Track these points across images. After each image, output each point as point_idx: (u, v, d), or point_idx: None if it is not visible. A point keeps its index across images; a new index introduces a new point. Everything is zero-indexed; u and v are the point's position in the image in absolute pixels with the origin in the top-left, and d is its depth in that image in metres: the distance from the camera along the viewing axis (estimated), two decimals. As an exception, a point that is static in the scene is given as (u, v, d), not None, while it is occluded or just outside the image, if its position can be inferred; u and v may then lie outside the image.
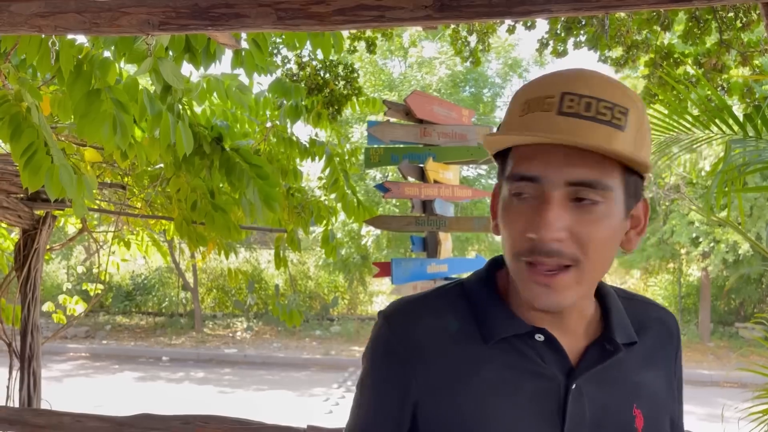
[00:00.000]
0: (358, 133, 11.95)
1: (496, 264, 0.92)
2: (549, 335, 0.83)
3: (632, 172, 0.79)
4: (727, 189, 2.11)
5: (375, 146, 4.24)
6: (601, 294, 0.91)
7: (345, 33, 3.84)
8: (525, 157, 0.78)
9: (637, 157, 0.75)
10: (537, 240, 0.76)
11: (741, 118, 2.29)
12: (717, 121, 2.30)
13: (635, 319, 0.91)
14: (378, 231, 11.60)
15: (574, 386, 0.82)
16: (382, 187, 4.16)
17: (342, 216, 4.32)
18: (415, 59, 13.69)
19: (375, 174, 12.20)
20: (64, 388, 8.75)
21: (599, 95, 0.75)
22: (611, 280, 14.16)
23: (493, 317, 0.85)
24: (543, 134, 0.75)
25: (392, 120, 4.37)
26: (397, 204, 11.66)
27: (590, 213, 0.76)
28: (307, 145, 3.94)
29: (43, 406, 3.79)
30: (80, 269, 10.10)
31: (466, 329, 0.85)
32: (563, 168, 0.75)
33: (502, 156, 0.84)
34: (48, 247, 4.05)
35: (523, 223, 0.77)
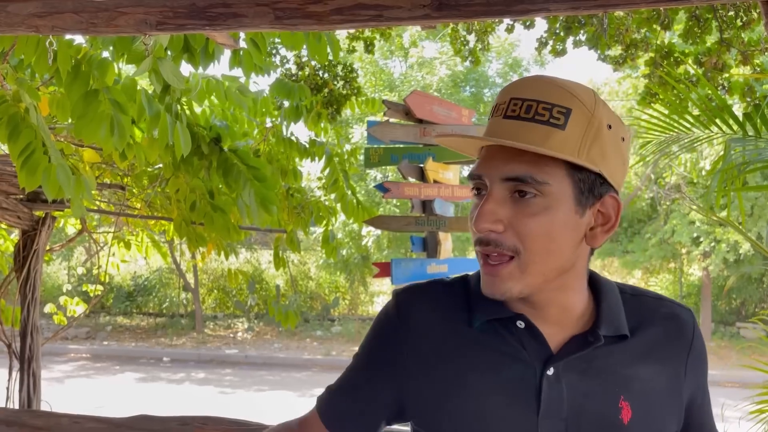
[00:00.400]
0: (359, 134, 11.94)
1: None
2: (529, 322, 0.88)
3: (582, 169, 0.83)
4: (726, 188, 2.10)
5: (375, 146, 4.23)
6: (598, 289, 0.94)
7: (343, 33, 3.84)
8: (479, 158, 0.88)
9: (576, 156, 0.81)
10: (476, 230, 0.84)
11: (741, 118, 2.28)
12: (717, 120, 2.29)
13: (637, 314, 0.93)
14: (378, 231, 11.59)
15: (550, 372, 0.85)
16: (382, 188, 4.16)
17: (342, 216, 4.31)
18: (416, 59, 13.69)
19: (375, 174, 12.19)
20: (65, 389, 8.74)
21: (540, 97, 0.82)
22: (613, 279, 14.13)
23: (481, 302, 0.90)
24: (482, 137, 0.85)
25: (392, 120, 4.36)
26: (398, 204, 11.65)
27: (528, 206, 0.82)
28: (307, 146, 3.93)
29: (43, 407, 3.79)
30: (80, 270, 10.08)
31: (459, 313, 0.92)
32: (500, 166, 0.83)
33: None
34: (48, 248, 4.05)
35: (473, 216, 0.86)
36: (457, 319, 0.92)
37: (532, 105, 0.81)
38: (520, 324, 0.88)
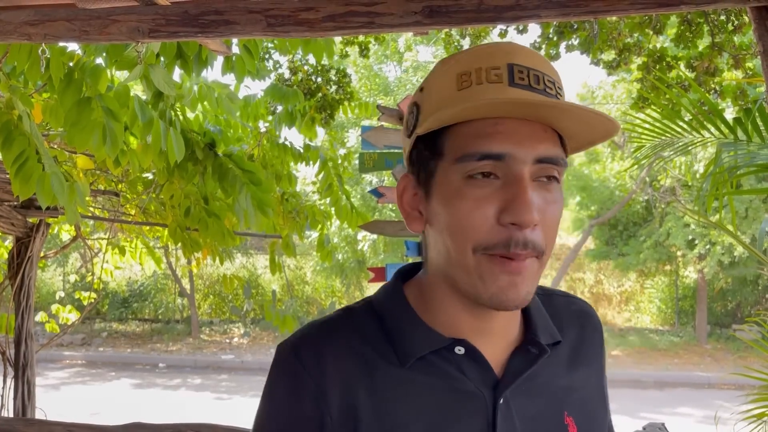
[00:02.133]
0: (354, 138, 11.95)
1: (404, 275, 0.83)
2: (470, 347, 0.74)
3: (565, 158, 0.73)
4: (718, 192, 2.11)
5: (369, 151, 4.24)
6: None
7: (337, 38, 3.85)
8: (480, 134, 0.68)
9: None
10: (517, 225, 0.67)
11: (733, 122, 2.29)
12: (709, 125, 2.31)
13: (556, 315, 0.84)
14: (374, 236, 11.60)
15: (501, 401, 0.74)
16: (377, 192, 4.16)
17: (338, 221, 4.32)
18: (411, 63, 13.71)
19: (371, 178, 12.20)
20: (61, 396, 8.71)
21: (542, 69, 0.70)
22: (607, 283, 14.18)
23: (408, 334, 0.75)
24: (538, 98, 0.67)
25: (386, 125, 4.37)
26: (393, 208, 11.66)
27: (551, 192, 0.70)
28: (302, 150, 3.94)
29: (38, 414, 3.77)
30: (73, 278, 10.04)
31: (381, 351, 0.75)
32: (534, 144, 0.68)
33: (426, 138, 0.73)
34: (42, 254, 4.04)
35: (492, 207, 0.68)
36: (381, 360, 0.74)
37: (538, 76, 0.69)
38: (459, 350, 0.74)
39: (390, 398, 0.73)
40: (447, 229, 0.71)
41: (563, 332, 0.82)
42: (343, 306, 0.83)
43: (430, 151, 0.73)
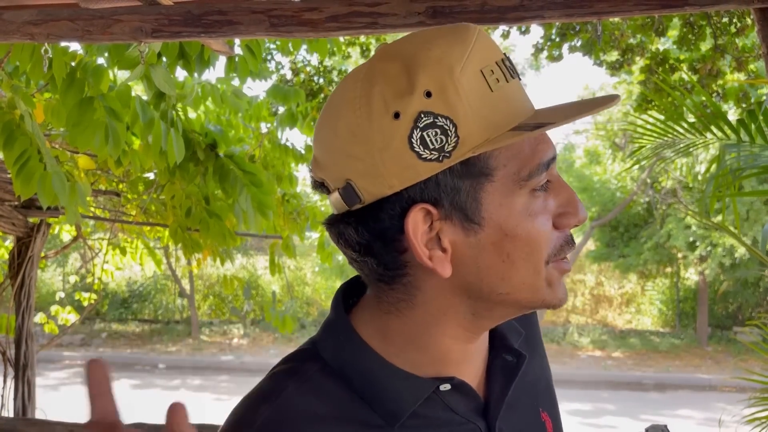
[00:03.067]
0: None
1: (346, 303, 0.70)
2: (456, 381, 0.66)
3: None
4: (721, 193, 2.11)
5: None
6: None
7: (340, 39, 3.85)
8: (539, 139, 0.61)
9: None
10: (577, 224, 0.63)
11: (736, 124, 2.29)
12: (712, 126, 2.31)
13: None
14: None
15: (496, 428, 0.68)
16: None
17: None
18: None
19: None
20: (60, 396, 8.70)
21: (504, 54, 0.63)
22: (608, 285, 14.18)
23: (388, 389, 0.64)
24: (586, 107, 0.61)
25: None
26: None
27: None
28: (303, 151, 3.93)
29: (38, 414, 3.77)
30: (73, 278, 10.04)
31: (360, 415, 0.63)
32: (551, 144, 0.63)
33: (463, 163, 0.60)
34: (42, 254, 4.04)
35: (549, 218, 0.63)
36: (361, 424, 0.63)
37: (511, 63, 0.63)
38: (444, 387, 0.65)
39: None
40: (517, 254, 0.61)
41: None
42: (272, 369, 0.68)
43: (471, 172, 0.59)
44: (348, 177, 0.60)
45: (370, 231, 0.61)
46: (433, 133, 0.57)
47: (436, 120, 0.57)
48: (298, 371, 0.65)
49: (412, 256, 0.61)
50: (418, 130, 0.57)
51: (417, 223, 0.59)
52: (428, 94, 0.57)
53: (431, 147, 0.58)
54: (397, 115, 0.57)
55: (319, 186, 0.65)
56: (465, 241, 0.61)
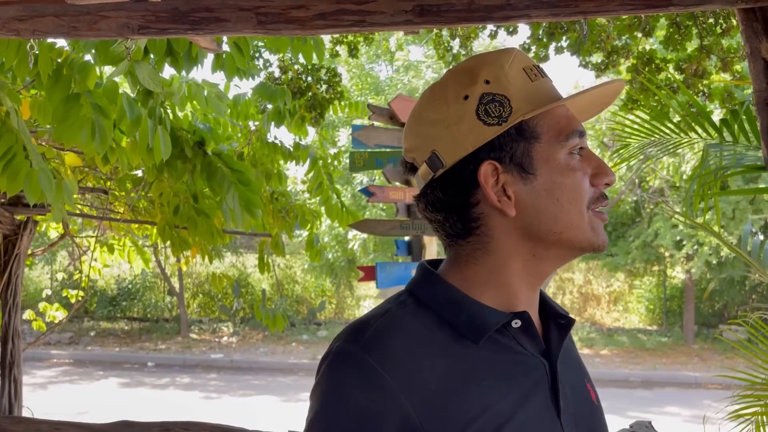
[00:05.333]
0: (345, 137, 11.94)
1: (431, 266, 0.86)
2: (525, 318, 0.79)
3: None
4: (705, 193, 2.13)
5: (360, 150, 4.24)
6: None
7: (326, 37, 3.84)
8: (569, 115, 0.82)
9: None
10: (608, 185, 0.82)
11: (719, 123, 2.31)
12: (696, 126, 2.33)
13: None
14: (364, 235, 11.60)
15: (557, 368, 0.81)
16: (367, 191, 4.16)
17: (328, 220, 4.32)
18: (402, 63, 13.72)
19: (362, 178, 12.20)
20: (48, 395, 8.65)
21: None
22: (596, 283, 14.26)
23: (474, 313, 0.78)
24: (603, 85, 0.83)
25: (376, 124, 4.37)
26: (384, 207, 11.66)
27: None
28: (291, 149, 3.93)
29: (25, 413, 3.75)
30: (60, 276, 9.97)
31: (448, 335, 0.76)
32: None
33: (518, 125, 0.80)
34: (29, 252, 4.01)
35: (597, 173, 0.82)
36: (452, 342, 0.76)
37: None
38: (516, 323, 0.79)
39: (469, 379, 0.74)
40: (564, 198, 0.80)
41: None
42: (380, 304, 0.83)
43: (523, 136, 0.79)
44: (433, 148, 0.80)
45: (452, 188, 0.80)
46: (493, 106, 0.79)
47: (495, 97, 0.79)
48: (398, 301, 0.81)
49: (484, 207, 0.80)
50: (483, 105, 0.79)
51: (487, 174, 0.79)
52: (487, 82, 0.79)
53: (493, 115, 0.79)
54: (466, 98, 0.79)
55: (409, 167, 0.85)
56: (524, 188, 0.79)
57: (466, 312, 0.78)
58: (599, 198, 0.82)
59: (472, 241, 0.81)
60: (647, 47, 3.79)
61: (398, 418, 0.71)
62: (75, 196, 3.19)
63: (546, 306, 0.87)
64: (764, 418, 2.45)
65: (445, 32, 3.97)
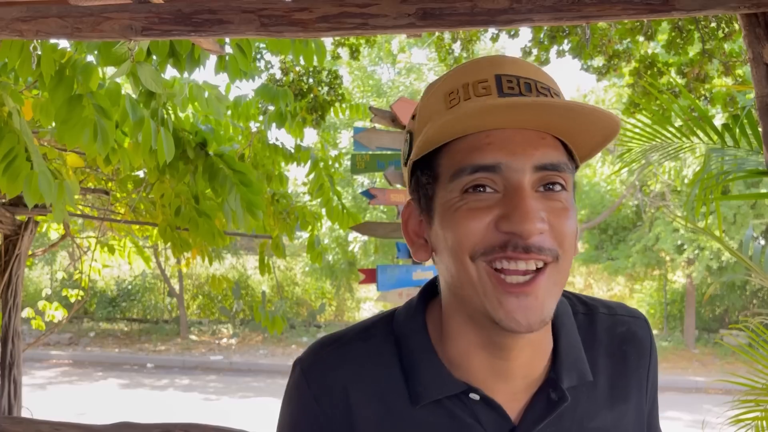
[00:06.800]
0: (346, 139, 11.95)
1: (430, 290, 0.79)
2: (484, 394, 0.70)
3: (573, 160, 0.70)
4: (706, 198, 2.13)
5: (361, 152, 4.24)
6: (554, 317, 0.73)
7: (328, 40, 3.85)
8: (472, 147, 0.65)
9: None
10: (518, 234, 0.63)
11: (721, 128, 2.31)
12: (698, 131, 2.33)
13: (594, 341, 0.77)
14: (365, 237, 11.60)
15: None
16: (368, 194, 4.16)
17: (329, 222, 4.32)
18: (404, 65, 13.74)
19: (363, 180, 12.20)
20: (47, 396, 8.64)
21: (534, 77, 0.67)
22: (597, 287, 14.24)
23: (423, 373, 0.72)
24: (526, 100, 0.63)
25: (378, 126, 4.37)
26: (385, 210, 11.66)
27: (558, 201, 0.66)
28: (293, 150, 3.93)
29: (24, 413, 3.74)
30: (60, 275, 9.97)
31: (393, 384, 0.73)
32: (530, 151, 0.64)
33: (423, 163, 0.71)
34: (30, 252, 4.01)
35: (490, 216, 0.64)
36: (392, 393, 0.72)
37: (530, 83, 0.66)
38: (474, 396, 0.70)
39: None
40: (447, 247, 0.68)
41: (599, 364, 0.76)
42: (361, 321, 0.81)
43: (427, 176, 0.70)
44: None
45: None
46: (404, 145, 0.74)
47: (406, 135, 0.74)
48: (368, 330, 0.78)
49: None
50: (402, 144, 0.75)
51: (410, 215, 0.75)
52: (413, 117, 0.74)
53: (403, 155, 0.75)
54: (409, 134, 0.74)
55: None
56: (431, 231, 0.71)
57: (417, 369, 0.72)
58: (501, 247, 0.64)
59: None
60: (649, 51, 3.80)
61: None
62: (76, 196, 3.20)
63: (552, 374, 0.73)
64: (765, 422, 2.45)
65: (446, 35, 3.97)
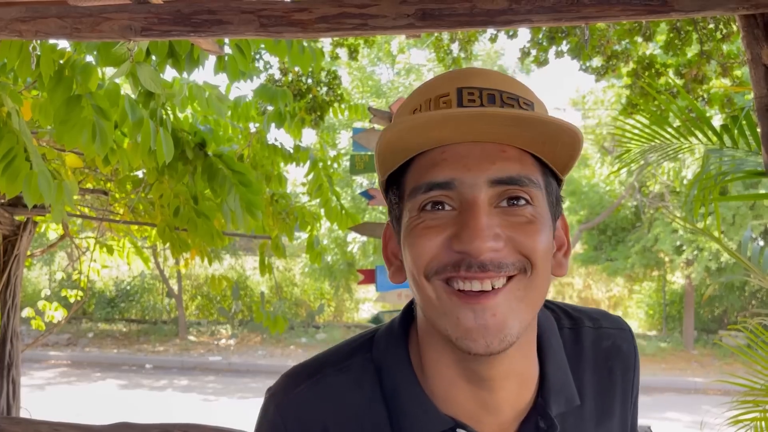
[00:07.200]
0: (346, 140, 11.96)
1: (410, 314, 0.75)
2: (472, 431, 0.68)
3: (550, 173, 0.67)
4: (705, 198, 2.13)
5: (360, 153, 4.24)
6: (539, 337, 0.72)
7: (327, 40, 3.85)
8: (429, 164, 0.64)
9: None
10: (468, 253, 0.61)
11: (719, 129, 2.32)
12: (696, 131, 2.33)
13: (581, 358, 0.76)
14: (364, 238, 11.60)
15: None
16: (367, 194, 4.17)
17: (327, 222, 4.32)
18: (403, 66, 13.74)
19: (362, 180, 12.20)
20: (46, 396, 8.63)
21: (500, 87, 0.65)
22: (596, 288, 14.24)
23: (408, 409, 0.68)
24: (457, 110, 0.61)
25: (377, 127, 4.37)
26: (384, 210, 11.66)
27: (523, 215, 0.63)
28: (292, 151, 3.93)
29: (23, 414, 3.74)
30: (59, 275, 9.96)
31: (376, 419, 0.69)
32: (485, 165, 0.62)
33: (392, 182, 0.70)
34: (29, 253, 4.01)
35: (444, 234, 0.63)
36: (374, 430, 0.69)
37: (494, 94, 0.64)
38: None
39: None
40: (407, 265, 0.66)
41: (584, 383, 0.75)
42: (337, 345, 0.76)
43: (394, 194, 0.69)
44: None
45: None
46: (376, 166, 0.71)
47: (375, 155, 0.70)
48: (346, 360, 0.73)
49: None
50: (376, 165, 0.71)
51: (389, 236, 0.73)
52: (381, 136, 0.67)
53: (378, 177, 0.73)
54: None
55: None
56: (402, 252, 0.68)
57: (407, 405, 0.69)
58: (454, 266, 0.61)
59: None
60: (647, 52, 3.80)
61: None
62: (75, 197, 3.19)
63: (540, 401, 0.70)
64: (763, 423, 2.45)
65: (445, 35, 3.97)
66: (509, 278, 0.62)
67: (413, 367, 0.71)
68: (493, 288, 0.61)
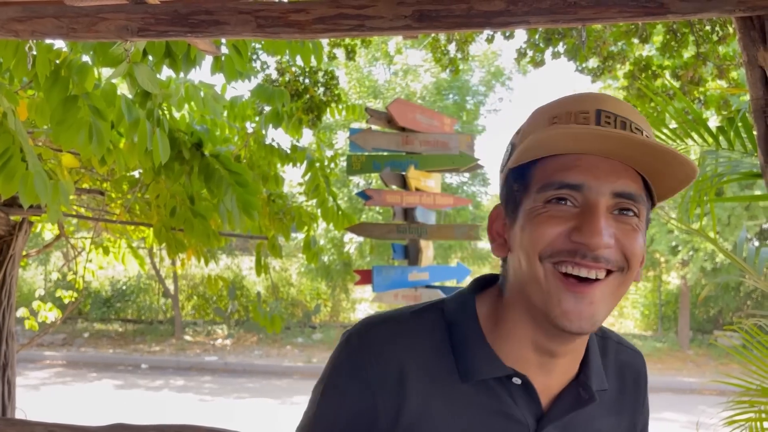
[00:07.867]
0: (342, 140, 11.95)
1: (480, 285, 0.89)
2: (526, 380, 0.81)
3: (649, 196, 0.80)
4: (701, 199, 2.14)
5: (357, 153, 4.24)
6: None
7: (325, 40, 3.85)
8: (562, 167, 0.76)
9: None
10: (585, 245, 0.73)
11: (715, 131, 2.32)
12: (692, 133, 2.34)
13: (607, 360, 0.90)
14: (361, 238, 11.60)
15: None
16: (364, 195, 4.17)
17: (324, 222, 4.32)
18: (400, 66, 13.75)
19: (359, 181, 12.20)
20: (41, 397, 8.61)
21: (630, 117, 0.77)
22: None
23: (473, 355, 0.81)
24: (617, 132, 0.72)
25: (374, 127, 4.37)
26: (380, 211, 11.66)
27: (629, 225, 0.76)
28: (288, 151, 3.93)
29: (18, 414, 3.73)
30: (55, 276, 9.93)
31: (444, 362, 0.81)
32: (612, 179, 0.75)
33: (517, 173, 0.80)
34: (24, 253, 3.99)
35: (565, 226, 0.75)
36: (442, 371, 0.81)
37: (625, 122, 0.76)
38: (516, 381, 0.81)
39: (444, 411, 0.80)
40: (522, 246, 0.77)
41: (609, 379, 0.89)
42: (406, 306, 0.87)
43: (518, 184, 0.80)
44: None
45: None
46: (504, 155, 0.85)
47: (509, 146, 0.85)
48: (419, 311, 0.85)
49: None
50: (506, 153, 0.85)
51: (492, 217, 0.86)
52: (517, 132, 0.84)
53: (503, 164, 0.85)
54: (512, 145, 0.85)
55: None
56: (511, 232, 0.81)
57: (469, 351, 0.81)
58: (570, 253, 0.74)
59: (505, 269, 0.84)
60: (644, 54, 3.81)
61: (370, 413, 0.80)
62: (71, 197, 3.19)
63: (584, 371, 0.84)
64: (759, 424, 2.46)
65: (442, 36, 3.98)
66: (608, 273, 0.75)
67: (482, 329, 0.83)
68: (595, 279, 0.74)
